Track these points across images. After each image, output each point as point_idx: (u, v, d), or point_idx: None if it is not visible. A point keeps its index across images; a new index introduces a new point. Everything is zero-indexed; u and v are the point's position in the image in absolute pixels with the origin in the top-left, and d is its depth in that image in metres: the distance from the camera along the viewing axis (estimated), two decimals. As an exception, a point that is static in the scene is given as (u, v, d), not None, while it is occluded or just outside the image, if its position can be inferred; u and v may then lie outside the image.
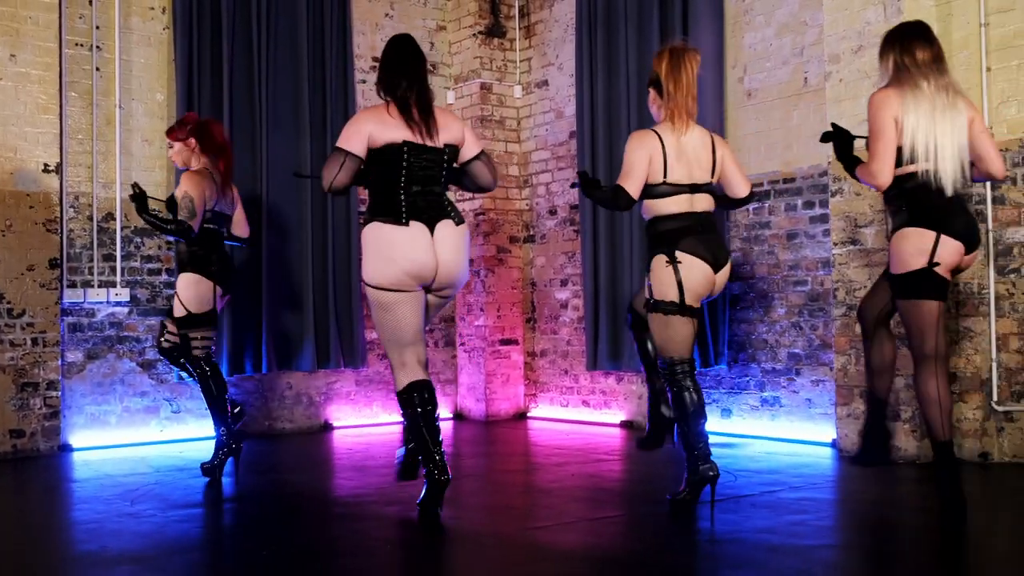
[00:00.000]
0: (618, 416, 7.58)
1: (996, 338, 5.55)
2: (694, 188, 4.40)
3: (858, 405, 5.81)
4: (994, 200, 5.55)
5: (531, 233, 8.33)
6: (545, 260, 8.21)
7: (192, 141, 5.57)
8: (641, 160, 4.31)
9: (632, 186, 4.31)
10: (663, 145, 4.34)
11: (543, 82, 8.25)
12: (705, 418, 4.42)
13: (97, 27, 6.90)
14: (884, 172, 4.06)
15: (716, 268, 4.40)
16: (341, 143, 4.19)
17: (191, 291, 5.45)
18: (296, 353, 7.42)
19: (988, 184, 5.54)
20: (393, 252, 4.14)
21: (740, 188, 4.56)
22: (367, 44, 8.07)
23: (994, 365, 5.54)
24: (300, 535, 4.15)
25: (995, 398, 5.53)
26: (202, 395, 5.57)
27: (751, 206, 6.65)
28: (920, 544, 3.88)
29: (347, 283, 7.63)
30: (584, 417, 7.81)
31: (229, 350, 7.09)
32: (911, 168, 4.08)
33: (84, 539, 4.19)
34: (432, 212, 4.23)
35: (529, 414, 8.27)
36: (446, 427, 7.77)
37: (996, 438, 5.55)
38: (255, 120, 7.30)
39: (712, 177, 4.46)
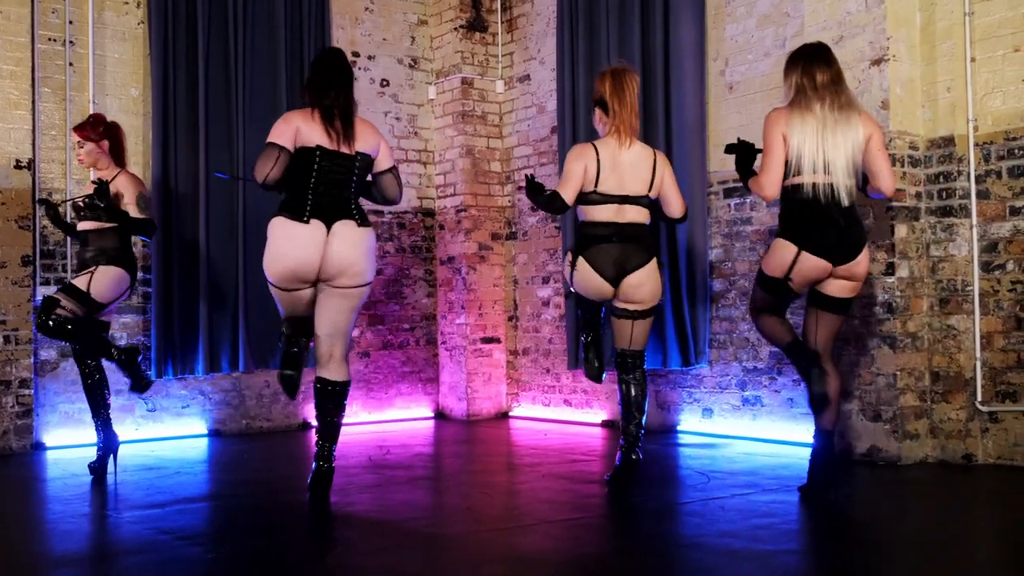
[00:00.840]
0: (599, 416, 7.46)
1: (980, 336, 5.42)
2: (624, 199, 4.78)
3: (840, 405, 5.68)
4: (979, 195, 5.43)
5: (513, 230, 8.22)
6: (527, 257, 8.09)
7: (105, 143, 5.60)
8: (577, 170, 4.73)
9: (567, 193, 4.74)
10: (598, 157, 4.75)
11: (525, 76, 8.13)
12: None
13: (70, 22, 6.81)
14: (771, 185, 4.41)
15: (618, 278, 4.78)
16: (274, 138, 4.40)
17: (110, 285, 5.46)
18: (273, 351, 7.31)
19: (972, 178, 5.42)
20: (281, 249, 4.40)
21: (674, 209, 4.95)
22: (347, 38, 7.96)
23: (978, 364, 5.42)
24: (252, 537, 4.05)
25: (979, 398, 5.41)
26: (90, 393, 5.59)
27: (732, 201, 6.55)
28: (889, 549, 3.75)
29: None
30: (566, 416, 7.70)
31: (205, 348, 7.00)
32: (797, 180, 4.38)
33: (32, 540, 4.11)
34: (334, 211, 4.48)
35: (511, 413, 8.16)
36: (427, 426, 7.69)
37: (980, 439, 5.42)
38: (231, 115, 7.20)
39: (649, 191, 4.85)
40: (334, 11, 7.81)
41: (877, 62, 5.53)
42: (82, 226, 5.57)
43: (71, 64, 6.81)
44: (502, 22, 8.30)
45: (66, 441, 6.66)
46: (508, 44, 8.29)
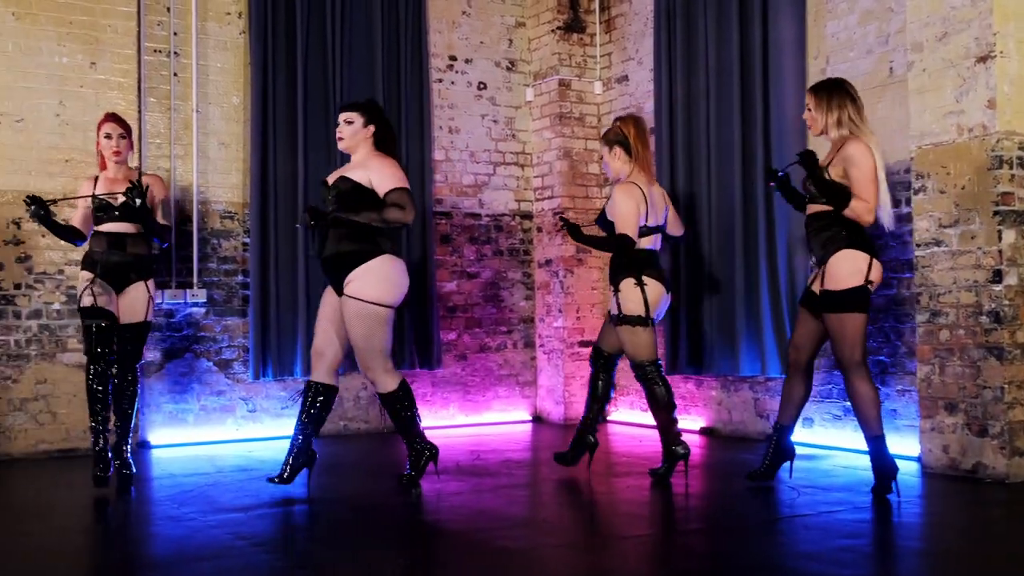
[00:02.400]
0: (698, 422, 7.31)
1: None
2: (658, 229, 5.46)
3: (943, 418, 5.43)
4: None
5: (612, 233, 8.11)
6: (626, 260, 7.97)
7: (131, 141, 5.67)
8: (635, 211, 5.30)
9: (634, 233, 5.30)
10: (645, 197, 5.35)
11: (623, 77, 8.01)
12: (675, 407, 5.40)
13: (175, 33, 7.00)
14: (874, 211, 4.79)
15: (668, 290, 5.49)
16: (406, 185, 5.06)
17: (153, 299, 5.51)
18: (371, 354, 7.39)
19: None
20: (402, 280, 5.10)
21: (678, 229, 5.66)
22: (443, 43, 7.98)
23: (1095, 377, 5.09)
24: (322, 546, 4.08)
25: (1096, 412, 5.08)
26: (128, 404, 5.47)
27: (833, 204, 6.32)
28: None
29: (423, 285, 7.57)
30: (664, 423, 7.55)
31: (304, 350, 7.12)
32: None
33: (112, 542, 4.23)
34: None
35: (609, 418, 8.07)
36: (523, 430, 7.66)
37: (1096, 456, 5.10)
38: (329, 121, 7.29)
39: (663, 220, 5.53)
40: (431, 16, 7.85)
41: (983, 59, 5.24)
42: (113, 228, 5.39)
43: (175, 74, 7.00)
44: (600, 23, 8.19)
45: (170, 440, 6.86)
46: (606, 44, 8.18)
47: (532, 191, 8.31)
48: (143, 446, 6.74)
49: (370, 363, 5.07)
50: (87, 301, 5.31)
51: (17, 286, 6.42)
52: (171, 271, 6.91)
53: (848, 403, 6.23)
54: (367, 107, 5.24)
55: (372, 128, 5.19)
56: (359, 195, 5.01)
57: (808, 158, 4.78)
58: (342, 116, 5.23)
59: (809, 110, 4.95)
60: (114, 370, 5.41)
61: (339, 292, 5.07)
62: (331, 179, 5.17)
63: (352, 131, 5.19)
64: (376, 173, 5.05)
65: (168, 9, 6.98)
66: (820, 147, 5.65)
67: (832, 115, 4.83)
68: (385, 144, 5.22)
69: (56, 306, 6.52)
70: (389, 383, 5.10)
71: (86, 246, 5.51)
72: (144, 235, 5.45)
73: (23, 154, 6.47)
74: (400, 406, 5.13)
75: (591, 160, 8.15)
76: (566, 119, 8.04)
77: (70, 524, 4.62)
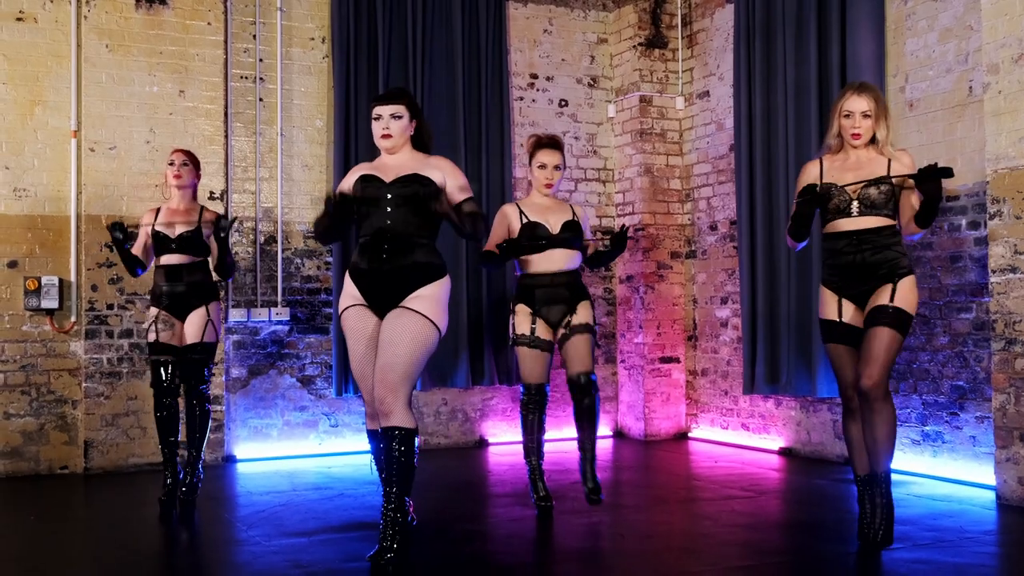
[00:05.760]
0: (777, 442, 7.22)
1: None
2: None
3: (1018, 449, 5.26)
4: None
5: (692, 248, 8.05)
6: (706, 277, 7.92)
7: (199, 175, 5.72)
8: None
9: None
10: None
11: (704, 93, 7.94)
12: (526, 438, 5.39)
13: (261, 60, 7.24)
14: None
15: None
16: None
17: (221, 322, 5.57)
18: (451, 370, 7.53)
19: None
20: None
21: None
22: (524, 61, 8.04)
23: None
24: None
25: None
26: (196, 430, 5.54)
27: (912, 225, 6.15)
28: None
29: (502, 300, 7.66)
30: (743, 441, 7.49)
31: (384, 367, 7.28)
32: None
33: (172, 568, 4.42)
34: None
35: (690, 434, 8.02)
36: (603, 446, 7.68)
37: None
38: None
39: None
40: (512, 35, 7.92)
41: (1061, 80, 5.05)
42: (170, 260, 5.50)
43: (261, 99, 7.24)
44: (682, 38, 8.13)
45: (255, 454, 7.11)
46: (688, 60, 8.12)
47: (614, 207, 8.31)
48: (228, 460, 7.01)
49: (400, 389, 4.18)
50: (151, 337, 5.53)
51: (110, 306, 6.75)
52: (256, 290, 7.16)
53: (927, 427, 6.09)
54: (411, 99, 4.49)
55: (415, 124, 4.47)
56: (434, 200, 4.31)
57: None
58: (388, 109, 4.39)
59: (868, 116, 4.33)
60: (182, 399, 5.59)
61: (390, 306, 4.30)
62: (390, 176, 4.36)
63: (401, 127, 4.40)
64: (451, 177, 4.43)
65: (254, 36, 7.22)
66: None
67: (887, 124, 4.39)
68: (424, 143, 4.54)
69: (146, 325, 6.82)
70: (410, 419, 4.22)
71: (151, 280, 5.72)
72: (200, 264, 5.56)
73: (115, 180, 6.79)
74: (412, 449, 4.22)
75: (672, 176, 8.10)
76: (647, 135, 8.01)
77: (139, 545, 4.83)
